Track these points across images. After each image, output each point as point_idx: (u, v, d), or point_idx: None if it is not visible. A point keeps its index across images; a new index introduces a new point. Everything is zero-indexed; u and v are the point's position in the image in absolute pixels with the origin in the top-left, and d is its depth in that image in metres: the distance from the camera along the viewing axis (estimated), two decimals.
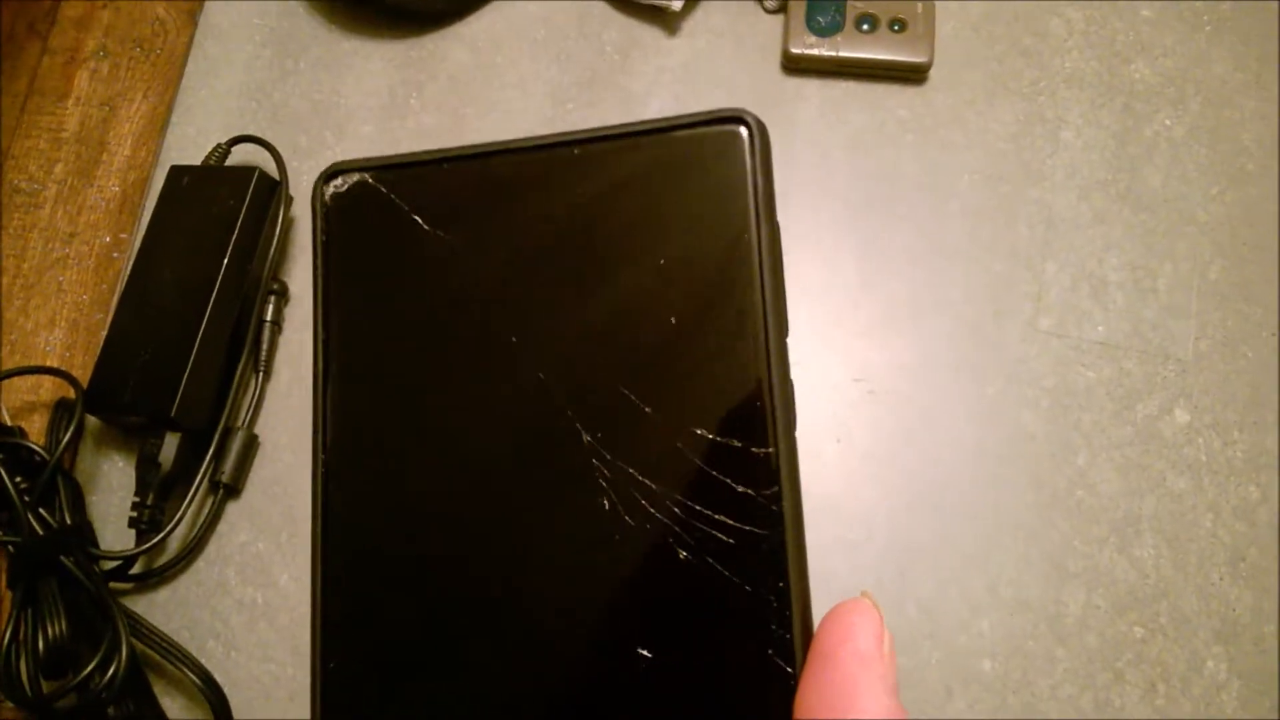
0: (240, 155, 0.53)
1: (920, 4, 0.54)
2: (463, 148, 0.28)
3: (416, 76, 0.56)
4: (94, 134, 0.56)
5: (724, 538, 0.24)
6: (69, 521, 0.45)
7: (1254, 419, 0.49)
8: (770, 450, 0.24)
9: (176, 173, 0.51)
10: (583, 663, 0.24)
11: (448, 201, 0.27)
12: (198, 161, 0.52)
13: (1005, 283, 0.51)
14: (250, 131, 0.53)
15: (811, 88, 0.54)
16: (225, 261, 0.48)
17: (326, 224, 0.28)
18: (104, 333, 0.49)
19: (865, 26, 0.53)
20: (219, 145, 0.52)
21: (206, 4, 0.59)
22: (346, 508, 0.26)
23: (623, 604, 0.24)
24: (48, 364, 0.51)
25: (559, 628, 0.24)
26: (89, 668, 0.41)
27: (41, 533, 0.44)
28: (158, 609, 0.47)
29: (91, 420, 0.50)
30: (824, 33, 0.53)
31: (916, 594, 0.47)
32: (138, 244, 0.50)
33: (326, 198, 0.28)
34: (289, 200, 0.51)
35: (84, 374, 0.48)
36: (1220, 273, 0.51)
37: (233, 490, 0.49)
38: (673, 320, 0.25)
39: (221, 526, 0.49)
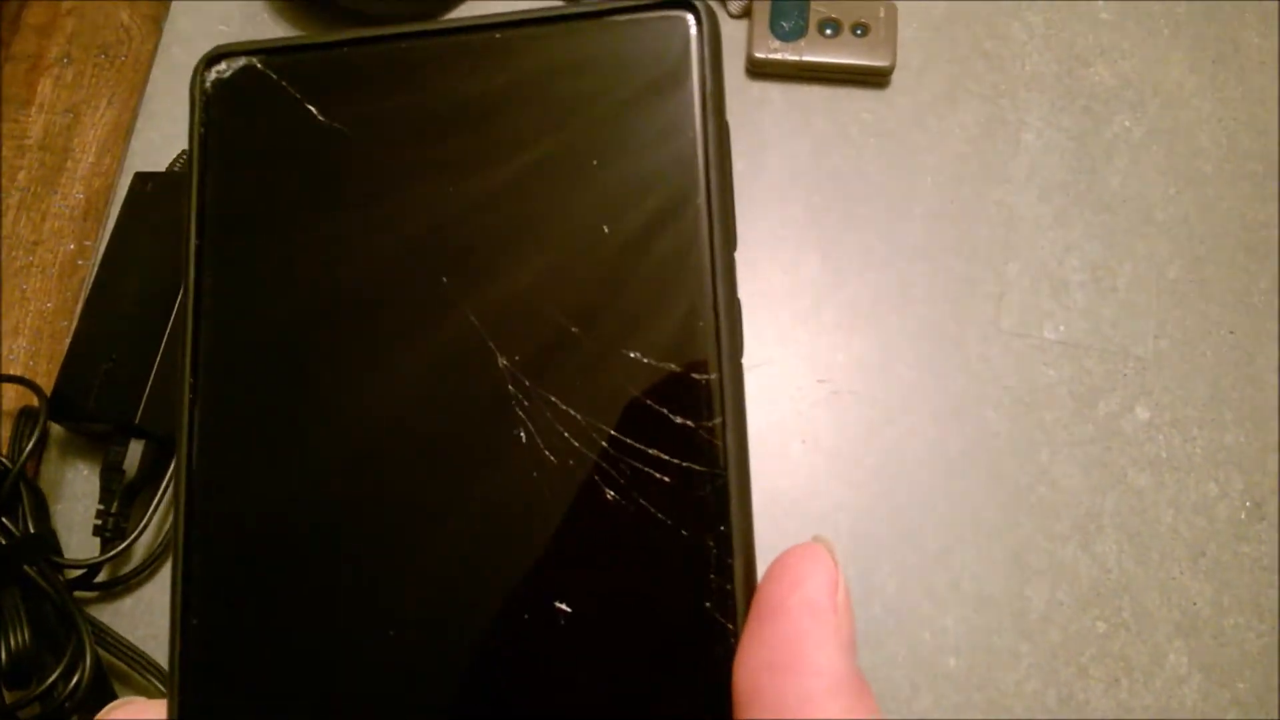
0: None
1: (882, 8, 0.54)
2: (367, 30, 0.24)
3: None
4: (58, 141, 0.56)
5: (658, 475, 0.21)
6: (32, 530, 0.44)
7: (1213, 416, 0.49)
8: (713, 377, 0.21)
9: (141, 179, 0.51)
10: (492, 619, 0.21)
11: (348, 90, 0.24)
12: (163, 168, 0.52)
13: (967, 283, 0.52)
14: None
15: (775, 91, 0.55)
16: None
17: (206, 115, 0.24)
18: (68, 340, 0.49)
19: (828, 31, 0.54)
20: (184, 152, 0.52)
21: (171, 10, 0.59)
22: (218, 435, 0.23)
23: (539, 552, 0.21)
24: (11, 372, 0.51)
25: (464, 578, 0.22)
26: (52, 677, 0.41)
27: (4, 542, 0.43)
28: (123, 617, 0.47)
29: (56, 428, 0.50)
30: (787, 37, 0.54)
31: (881, 591, 0.47)
32: (102, 251, 0.50)
33: (207, 85, 0.24)
34: None
35: (48, 382, 0.48)
36: (1179, 272, 0.52)
37: None
38: (605, 229, 0.22)
39: None
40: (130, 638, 0.45)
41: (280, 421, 0.23)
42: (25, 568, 0.43)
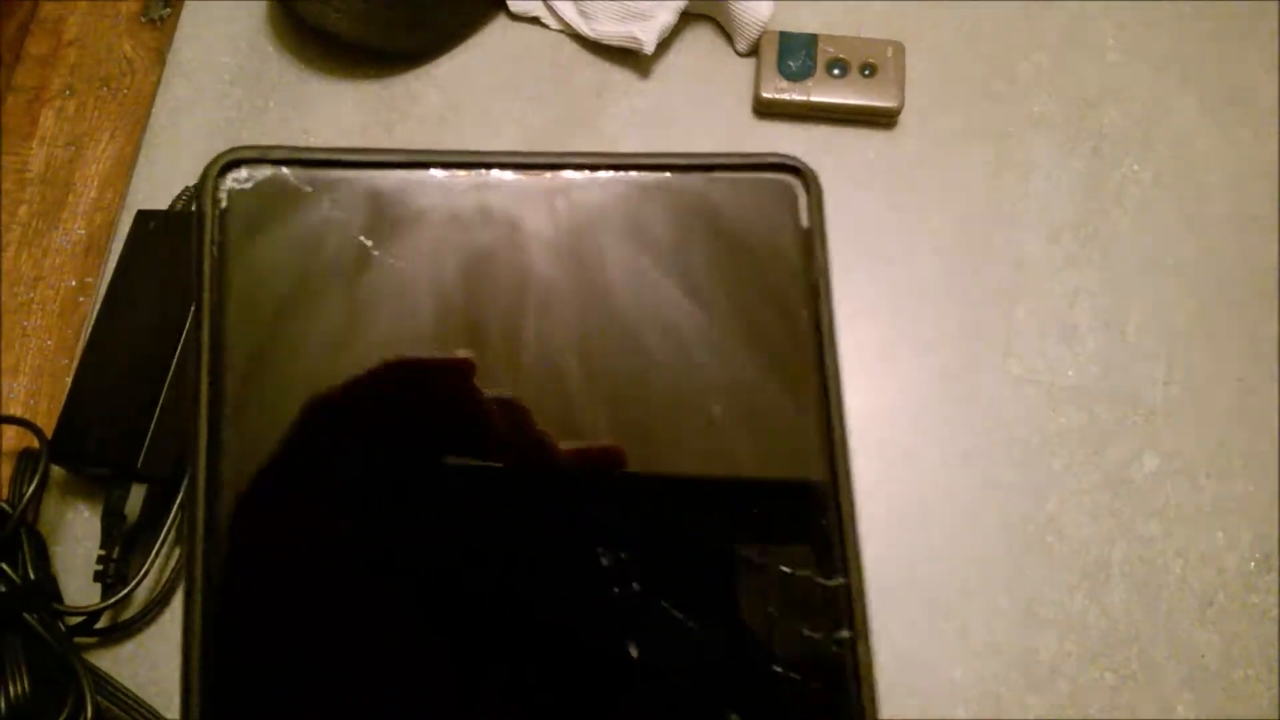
0: None
1: (890, 48, 0.54)
2: (436, 152, 0.21)
3: (387, 117, 0.56)
4: (59, 175, 0.55)
5: (785, 697, 0.19)
6: (32, 577, 0.44)
7: (1221, 464, 0.49)
8: (841, 581, 0.19)
9: (143, 218, 0.51)
10: None
11: (409, 223, 0.20)
12: (166, 203, 0.52)
13: (976, 327, 0.51)
14: None
15: (783, 131, 0.55)
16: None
17: (222, 235, 0.19)
18: (69, 380, 0.48)
19: (836, 71, 0.54)
20: (187, 188, 0.52)
21: (175, 42, 0.58)
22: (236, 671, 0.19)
23: None
24: (11, 411, 0.51)
25: None
26: None
27: (4, 589, 0.43)
28: (123, 664, 0.47)
29: (56, 468, 0.49)
30: (795, 77, 0.54)
31: (890, 640, 0.47)
32: (104, 289, 0.50)
33: (221, 197, 0.20)
34: None
35: (48, 421, 0.48)
36: (1188, 318, 0.52)
37: None
38: (716, 410, 0.20)
39: None
40: (130, 685, 0.45)
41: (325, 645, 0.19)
42: (25, 615, 0.43)
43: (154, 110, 0.57)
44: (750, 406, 0.20)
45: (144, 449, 0.45)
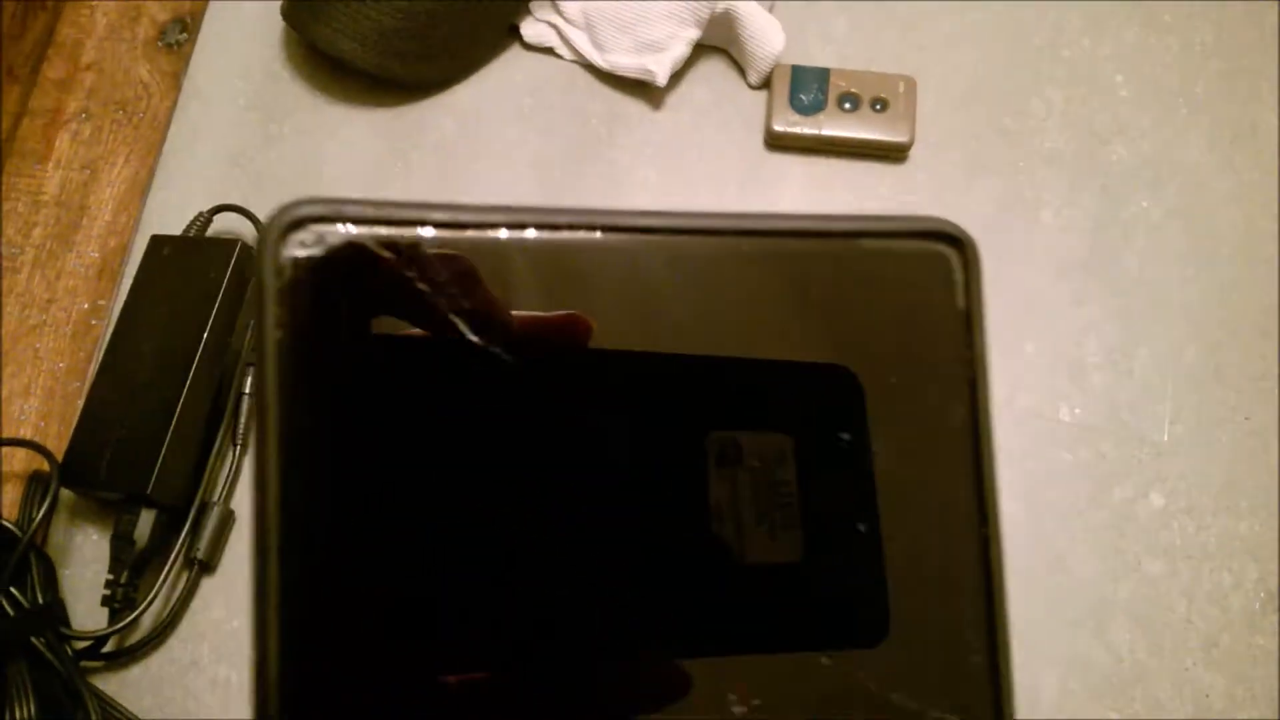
0: (222, 223, 0.53)
1: (902, 83, 0.54)
2: (535, 210, 0.16)
3: (400, 145, 0.57)
4: (74, 198, 0.56)
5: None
6: (41, 601, 0.44)
7: (1227, 503, 0.49)
8: None
9: (157, 243, 0.51)
10: None
11: (519, 296, 0.16)
12: (179, 228, 0.52)
13: None
14: (232, 198, 0.53)
15: (794, 165, 0.55)
16: (205, 335, 0.48)
17: (289, 314, 0.15)
18: (80, 402, 0.48)
19: (848, 105, 0.54)
20: (201, 214, 0.52)
21: (191, 68, 0.59)
22: None
23: None
24: (21, 433, 0.51)
25: None
26: None
27: (12, 614, 0.43)
28: (129, 688, 0.47)
29: (66, 491, 0.49)
30: (807, 111, 0.54)
31: None
32: (116, 313, 0.50)
33: (284, 265, 0.15)
34: None
35: (59, 444, 0.48)
36: (1195, 356, 0.52)
37: (208, 567, 0.48)
38: (861, 528, 0.18)
39: (196, 603, 0.48)
40: (135, 709, 0.45)
41: None
42: (33, 639, 0.43)
43: (169, 135, 0.58)
44: (899, 527, 0.18)
45: (154, 474, 0.45)
